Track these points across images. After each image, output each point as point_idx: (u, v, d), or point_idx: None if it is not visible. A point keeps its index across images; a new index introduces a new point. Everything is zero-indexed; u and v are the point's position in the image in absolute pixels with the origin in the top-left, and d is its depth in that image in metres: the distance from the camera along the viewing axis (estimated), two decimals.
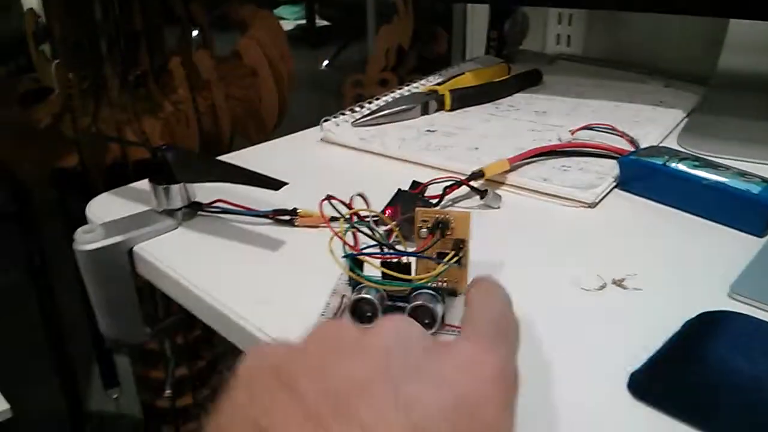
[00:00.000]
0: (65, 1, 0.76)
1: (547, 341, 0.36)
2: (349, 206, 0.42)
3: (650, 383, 0.33)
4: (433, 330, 0.35)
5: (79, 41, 0.77)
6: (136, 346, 0.77)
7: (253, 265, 0.44)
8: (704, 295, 0.39)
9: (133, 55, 0.77)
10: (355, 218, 0.41)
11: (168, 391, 0.78)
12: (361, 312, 0.36)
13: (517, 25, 0.88)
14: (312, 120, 0.66)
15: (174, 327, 0.52)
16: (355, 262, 0.37)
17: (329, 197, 0.41)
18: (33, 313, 1.13)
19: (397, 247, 0.38)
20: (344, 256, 0.37)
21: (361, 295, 0.36)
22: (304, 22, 4.13)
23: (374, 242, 0.38)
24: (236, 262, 0.45)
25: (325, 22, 4.18)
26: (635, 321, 0.38)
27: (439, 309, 0.35)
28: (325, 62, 3.77)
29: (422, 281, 0.36)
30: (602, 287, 0.41)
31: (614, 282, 0.41)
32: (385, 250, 0.38)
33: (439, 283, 0.37)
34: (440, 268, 0.36)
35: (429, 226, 0.37)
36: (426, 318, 0.35)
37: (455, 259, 0.37)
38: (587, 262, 0.43)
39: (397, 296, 0.36)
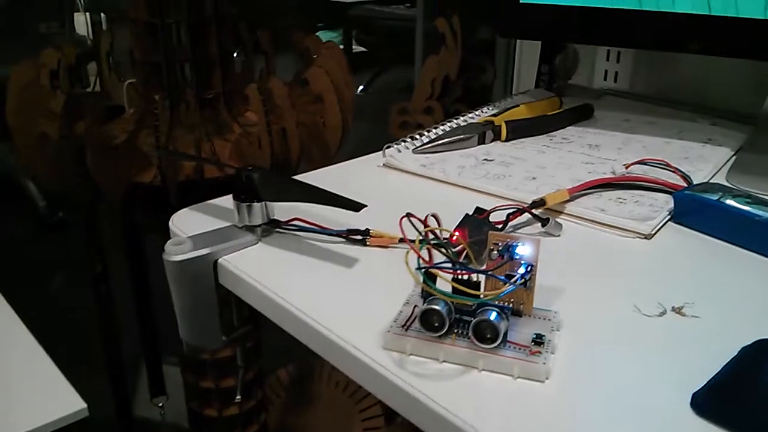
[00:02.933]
0: (146, 27, 0.81)
1: (612, 361, 0.39)
2: (424, 224, 0.45)
3: (711, 403, 0.35)
4: (495, 344, 0.37)
5: (157, 64, 0.82)
6: (211, 352, 0.81)
7: (331, 279, 0.47)
8: (758, 324, 0.42)
9: (207, 79, 0.82)
10: (430, 235, 0.44)
11: (238, 397, 0.81)
12: (430, 322, 0.39)
13: (567, 60, 0.91)
14: (349, 142, 0.69)
15: (246, 336, 0.55)
16: (428, 276, 0.40)
17: (409, 215, 0.44)
18: (87, 318, 1.17)
19: (468, 266, 0.41)
20: (418, 269, 0.39)
21: (431, 306, 0.38)
22: (341, 48, 4.23)
23: (447, 259, 0.41)
24: (314, 276, 0.48)
25: (362, 49, 4.27)
26: (695, 346, 0.40)
27: (502, 326, 0.37)
28: (360, 87, 3.85)
29: (488, 298, 0.39)
30: (662, 314, 0.43)
31: (673, 309, 0.43)
32: (457, 266, 0.41)
33: (505, 303, 0.40)
34: (506, 287, 0.39)
35: (500, 248, 0.40)
36: (489, 333, 0.38)
37: (522, 280, 0.40)
38: (646, 290, 0.46)
39: (465, 310, 0.39)
